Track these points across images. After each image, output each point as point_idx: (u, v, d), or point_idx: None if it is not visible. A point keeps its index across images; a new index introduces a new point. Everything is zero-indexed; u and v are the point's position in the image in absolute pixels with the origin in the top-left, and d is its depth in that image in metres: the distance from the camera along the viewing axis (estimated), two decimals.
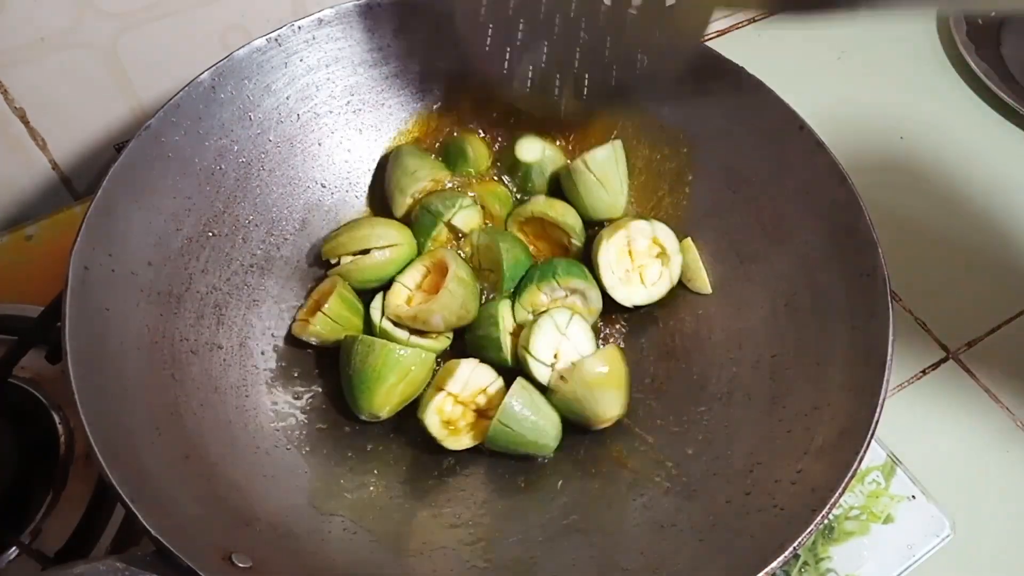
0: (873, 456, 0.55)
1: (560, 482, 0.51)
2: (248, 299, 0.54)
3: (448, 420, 0.51)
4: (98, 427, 0.40)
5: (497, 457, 0.52)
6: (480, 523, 0.49)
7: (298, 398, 0.53)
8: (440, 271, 0.54)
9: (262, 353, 0.53)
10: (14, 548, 0.48)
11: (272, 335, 0.54)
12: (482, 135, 0.61)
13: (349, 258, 0.55)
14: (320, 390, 0.54)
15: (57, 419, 0.53)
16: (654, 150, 0.59)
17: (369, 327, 0.54)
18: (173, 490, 0.41)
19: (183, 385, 0.47)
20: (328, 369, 0.54)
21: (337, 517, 0.48)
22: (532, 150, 0.59)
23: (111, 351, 0.44)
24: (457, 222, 0.56)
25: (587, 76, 0.53)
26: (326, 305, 0.52)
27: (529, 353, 0.51)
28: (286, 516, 0.46)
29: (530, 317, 0.54)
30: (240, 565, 0.39)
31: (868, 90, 0.79)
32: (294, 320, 0.55)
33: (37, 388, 0.55)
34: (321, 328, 0.53)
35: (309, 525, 0.46)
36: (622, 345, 0.57)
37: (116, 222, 0.47)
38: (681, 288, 0.57)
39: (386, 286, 0.55)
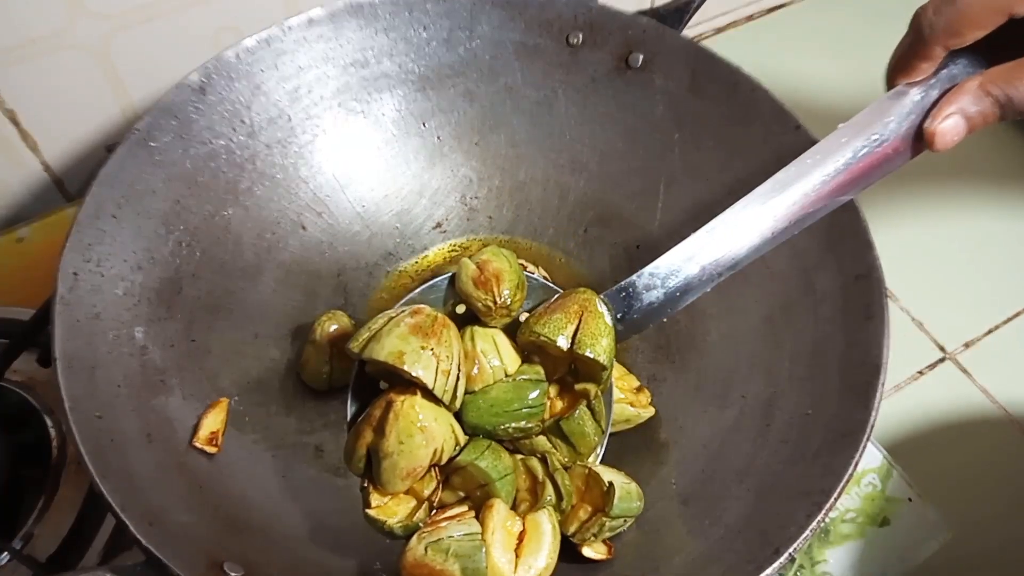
0: (869, 459, 0.55)
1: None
2: (239, 303, 0.53)
3: None
4: (87, 436, 0.40)
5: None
6: None
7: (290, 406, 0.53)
8: None
9: (255, 358, 0.53)
10: (5, 553, 0.48)
11: (264, 340, 0.54)
12: None
13: None
14: (313, 397, 0.54)
15: (49, 423, 0.53)
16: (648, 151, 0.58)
17: None
18: (164, 499, 0.41)
19: (174, 391, 0.47)
20: None
21: (330, 524, 0.47)
22: None
23: (101, 358, 0.44)
24: None
25: None
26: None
27: None
28: (278, 524, 0.45)
29: None
30: (232, 574, 0.39)
31: (865, 88, 0.78)
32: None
33: (29, 391, 0.54)
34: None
35: (302, 533, 0.46)
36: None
37: (105, 227, 0.46)
38: None
39: None
